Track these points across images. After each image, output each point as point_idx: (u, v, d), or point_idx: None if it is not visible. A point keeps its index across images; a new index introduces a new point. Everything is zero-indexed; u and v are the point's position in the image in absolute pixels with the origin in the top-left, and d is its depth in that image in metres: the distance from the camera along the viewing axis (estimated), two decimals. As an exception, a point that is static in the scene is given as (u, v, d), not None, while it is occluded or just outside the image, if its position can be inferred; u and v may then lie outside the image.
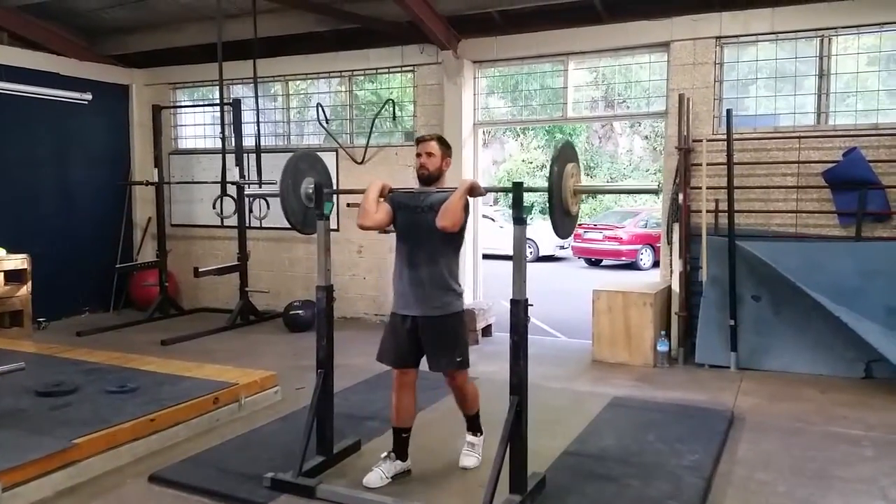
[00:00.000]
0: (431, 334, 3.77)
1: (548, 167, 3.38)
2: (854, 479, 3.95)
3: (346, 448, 4.21)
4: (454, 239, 3.76)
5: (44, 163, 8.66)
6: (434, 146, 3.83)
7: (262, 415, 5.08)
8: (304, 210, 4.01)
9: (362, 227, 3.83)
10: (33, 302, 7.84)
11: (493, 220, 17.29)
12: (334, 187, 4.09)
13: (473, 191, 3.66)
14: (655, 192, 3.84)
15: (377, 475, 3.82)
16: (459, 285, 3.86)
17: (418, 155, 3.85)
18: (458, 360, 3.78)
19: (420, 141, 3.90)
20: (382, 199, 3.84)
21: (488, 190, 3.51)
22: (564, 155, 3.40)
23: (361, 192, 3.87)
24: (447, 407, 4.38)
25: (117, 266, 9.06)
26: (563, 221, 3.44)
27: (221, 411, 4.94)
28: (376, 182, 3.84)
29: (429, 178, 3.82)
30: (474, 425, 4.09)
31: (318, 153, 4.25)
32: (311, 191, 3.98)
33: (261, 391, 5.32)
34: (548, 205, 3.35)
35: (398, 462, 3.91)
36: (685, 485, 3.80)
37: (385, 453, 3.93)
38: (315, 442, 3.99)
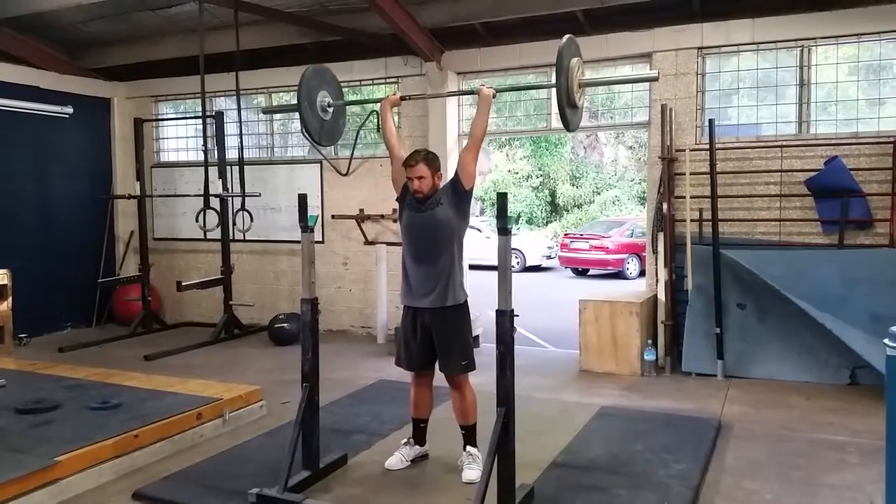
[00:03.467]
0: (443, 330, 3.97)
1: (554, 70, 3.63)
2: (840, 485, 3.96)
3: (333, 462, 4.17)
4: (461, 228, 4.01)
5: (24, 177, 8.58)
6: (422, 169, 3.95)
7: (246, 430, 5.02)
8: (321, 122, 4.13)
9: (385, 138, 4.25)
10: (14, 318, 7.71)
11: (479, 230, 17.30)
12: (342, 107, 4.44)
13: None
14: (655, 78, 4.12)
15: (398, 458, 4.19)
16: (463, 278, 4.08)
17: (409, 179, 3.99)
18: (463, 363, 3.98)
19: (407, 166, 3.99)
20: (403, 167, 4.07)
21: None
22: (569, 50, 3.52)
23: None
24: (434, 418, 4.34)
25: (99, 281, 8.98)
26: (570, 113, 3.59)
27: (206, 427, 4.88)
28: (384, 104, 4.24)
29: (426, 197, 4.00)
30: (472, 438, 4.09)
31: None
32: (326, 103, 4.15)
33: (245, 406, 5.26)
34: (556, 98, 3.58)
35: (417, 447, 4.26)
36: (673, 494, 3.80)
37: (405, 439, 4.28)
38: (301, 456, 3.95)
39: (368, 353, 7.54)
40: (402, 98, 4.35)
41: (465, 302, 4.06)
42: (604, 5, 6.89)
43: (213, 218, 8.03)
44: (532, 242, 19.30)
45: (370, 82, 8.44)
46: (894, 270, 5.84)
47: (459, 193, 3.98)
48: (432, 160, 4.03)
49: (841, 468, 4.21)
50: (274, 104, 9.09)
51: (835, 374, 6.00)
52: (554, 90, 3.78)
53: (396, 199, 4.20)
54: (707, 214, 6.49)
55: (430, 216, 3.96)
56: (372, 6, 6.77)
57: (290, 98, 9.13)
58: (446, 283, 3.94)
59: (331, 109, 4.20)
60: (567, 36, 3.74)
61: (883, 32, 6.20)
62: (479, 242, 15.13)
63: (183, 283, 7.91)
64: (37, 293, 8.30)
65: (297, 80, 8.81)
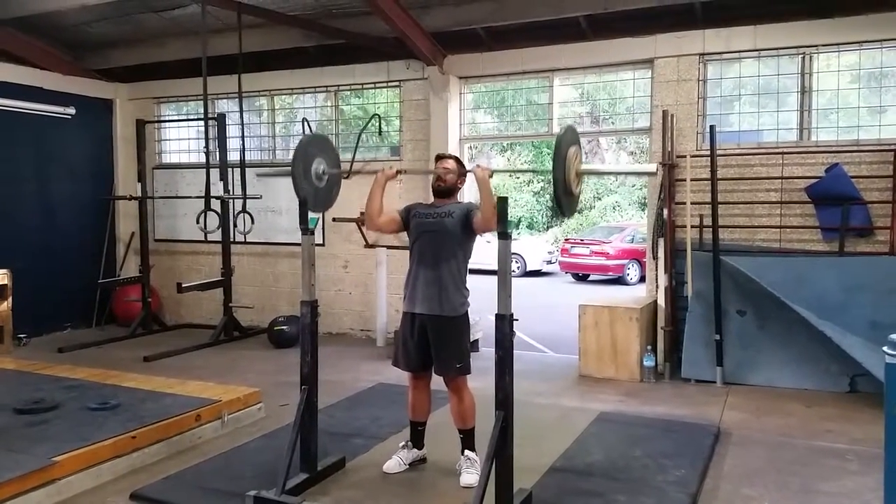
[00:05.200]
0: (438, 336, 3.98)
1: (550, 155, 3.51)
2: (839, 493, 3.96)
3: (331, 465, 4.16)
4: (467, 242, 4.06)
5: (26, 177, 8.59)
6: (451, 163, 4.17)
7: (245, 432, 5.02)
8: (314, 189, 4.13)
9: (369, 229, 4.13)
10: (14, 318, 7.72)
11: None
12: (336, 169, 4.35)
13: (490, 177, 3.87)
14: (653, 173, 4.02)
15: (396, 462, 4.19)
16: (467, 289, 4.09)
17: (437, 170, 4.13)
18: (458, 365, 3.99)
19: (439, 158, 4.26)
20: (397, 212, 4.18)
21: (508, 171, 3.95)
22: (567, 139, 3.51)
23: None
24: (432, 422, 4.34)
25: (100, 281, 8.97)
26: (567, 201, 3.57)
27: (204, 428, 4.88)
28: (380, 177, 4.14)
29: (443, 190, 4.12)
30: (470, 442, 4.09)
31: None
32: (321, 170, 4.15)
33: (244, 408, 5.27)
34: (552, 185, 3.54)
35: (415, 450, 4.26)
36: (671, 500, 3.79)
37: (403, 443, 4.28)
38: (299, 459, 3.95)
39: (368, 356, 7.53)
40: (399, 172, 4.23)
41: (466, 313, 4.07)
42: (606, 11, 6.90)
43: (213, 220, 8.03)
44: (532, 247, 19.30)
45: (372, 86, 8.45)
46: (894, 278, 5.84)
47: (468, 229, 4.00)
48: (462, 164, 4.26)
49: (840, 476, 4.21)
50: (276, 108, 9.11)
51: (834, 381, 6.00)
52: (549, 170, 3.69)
53: (402, 231, 4.22)
54: (707, 221, 6.49)
55: (440, 223, 4.01)
56: (374, 10, 6.79)
57: (293, 101, 9.16)
58: (447, 292, 3.96)
59: (325, 177, 4.20)
60: (567, 125, 3.73)
61: (885, 40, 6.20)
62: (479, 247, 15.12)
63: (183, 285, 7.90)
64: (37, 293, 8.30)
65: (300, 83, 8.87)
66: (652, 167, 4.30)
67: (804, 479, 4.16)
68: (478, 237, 4.20)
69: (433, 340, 3.99)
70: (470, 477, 3.93)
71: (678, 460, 4.34)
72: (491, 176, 3.85)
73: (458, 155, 7.90)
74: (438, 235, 4.01)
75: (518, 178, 25.21)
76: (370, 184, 4.20)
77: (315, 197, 4.16)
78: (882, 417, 3.10)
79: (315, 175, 4.13)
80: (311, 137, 4.30)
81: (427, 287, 3.98)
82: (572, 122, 3.77)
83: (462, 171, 4.20)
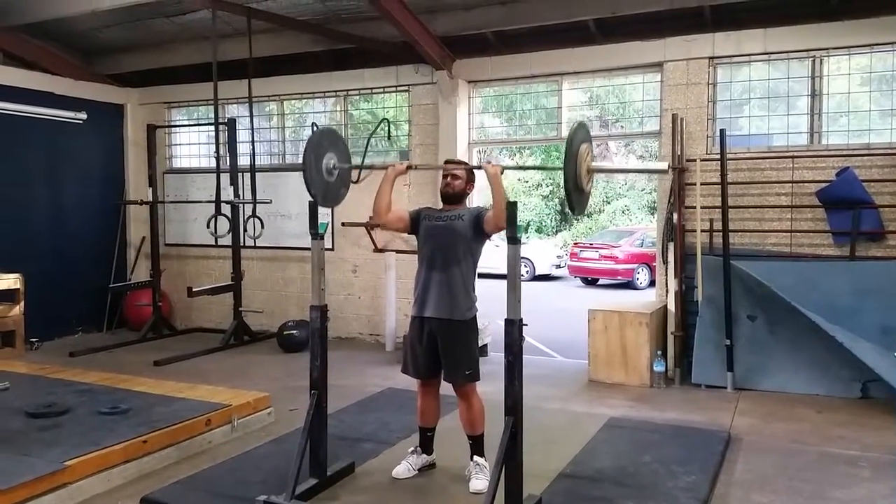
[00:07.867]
0: (447, 341, 3.97)
1: (562, 150, 3.57)
2: (851, 500, 3.93)
3: (340, 470, 4.16)
4: (477, 246, 4.07)
5: (38, 182, 8.65)
6: (460, 171, 4.16)
7: (254, 436, 5.03)
8: (325, 184, 4.12)
9: (375, 223, 4.22)
10: (26, 322, 7.77)
11: (489, 238, 17.30)
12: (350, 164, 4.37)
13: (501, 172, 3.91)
14: (664, 171, 4.03)
15: (405, 467, 4.18)
16: (475, 294, 4.09)
17: (444, 176, 4.16)
18: (468, 372, 3.98)
19: (447, 163, 4.31)
20: (407, 212, 4.22)
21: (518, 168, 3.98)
22: (579, 136, 3.51)
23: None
24: (442, 427, 4.34)
25: (111, 286, 9.02)
26: (577, 198, 3.56)
27: (214, 433, 4.90)
28: (390, 172, 4.16)
29: (452, 196, 4.14)
30: (479, 448, 4.08)
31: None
32: (332, 165, 4.14)
33: (254, 413, 5.28)
34: (563, 183, 3.53)
35: (424, 456, 4.25)
36: (682, 507, 3.78)
37: (412, 448, 4.27)
38: (308, 464, 3.95)
39: (377, 360, 7.54)
40: (409, 167, 4.25)
41: (474, 317, 4.07)
42: (615, 14, 6.91)
43: (224, 224, 8.06)
44: (541, 251, 19.25)
45: (381, 90, 8.47)
46: (906, 283, 5.80)
47: (479, 230, 4.01)
48: (471, 171, 4.23)
49: (852, 482, 4.18)
50: (286, 112, 9.14)
51: (846, 387, 5.95)
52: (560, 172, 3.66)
53: (409, 232, 4.22)
54: (718, 225, 6.46)
55: (449, 226, 4.02)
56: (384, 14, 6.81)
57: (302, 106, 9.19)
58: (456, 296, 3.95)
59: (336, 172, 4.21)
60: (578, 121, 3.70)
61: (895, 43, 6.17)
62: (489, 251, 15.11)
63: (194, 289, 7.93)
64: (49, 297, 8.35)
65: (309, 88, 8.89)
66: (663, 165, 4.36)
67: (816, 485, 4.13)
68: (486, 242, 4.21)
69: (442, 346, 3.99)
70: (479, 483, 3.92)
71: (688, 466, 4.32)
72: (502, 172, 3.88)
73: (466, 159, 7.94)
74: (448, 239, 4.00)
75: (527, 181, 25.18)
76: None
77: (326, 191, 4.15)
78: (894, 423, 3.08)
79: (325, 170, 4.11)
80: (323, 130, 4.29)
81: (437, 290, 3.97)
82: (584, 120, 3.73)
83: (471, 178, 4.19)
